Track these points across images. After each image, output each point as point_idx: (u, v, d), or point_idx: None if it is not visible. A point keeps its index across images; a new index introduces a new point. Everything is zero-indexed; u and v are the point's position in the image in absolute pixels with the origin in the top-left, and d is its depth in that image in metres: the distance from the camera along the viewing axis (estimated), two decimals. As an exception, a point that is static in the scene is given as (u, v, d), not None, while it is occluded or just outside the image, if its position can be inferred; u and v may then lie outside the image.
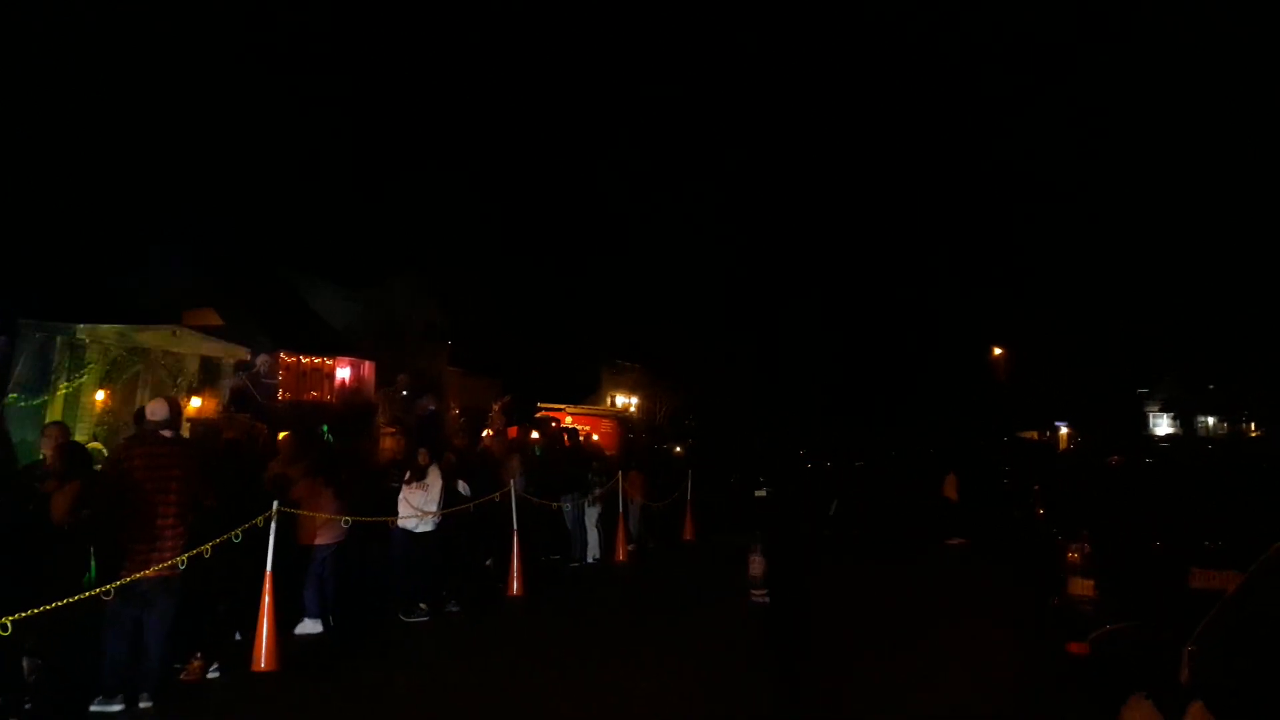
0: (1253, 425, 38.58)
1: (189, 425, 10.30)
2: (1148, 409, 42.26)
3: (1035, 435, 39.77)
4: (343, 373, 19.71)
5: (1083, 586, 7.20)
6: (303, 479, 8.21)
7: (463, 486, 10.01)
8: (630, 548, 14.44)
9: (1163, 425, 41.76)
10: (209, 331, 18.05)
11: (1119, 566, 7.18)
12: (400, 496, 9.39)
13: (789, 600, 5.12)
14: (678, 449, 28.59)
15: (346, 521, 8.44)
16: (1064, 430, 41.97)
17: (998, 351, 42.35)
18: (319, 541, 8.24)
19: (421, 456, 9.51)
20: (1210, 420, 42.14)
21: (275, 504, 7.61)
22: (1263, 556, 3.41)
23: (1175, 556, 7.19)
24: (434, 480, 9.34)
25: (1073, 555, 7.44)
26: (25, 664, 5.83)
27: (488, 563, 11.33)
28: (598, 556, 13.73)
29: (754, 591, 5.13)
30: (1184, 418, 41.97)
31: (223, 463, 7.70)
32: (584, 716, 6.52)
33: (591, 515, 13.89)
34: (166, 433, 6.58)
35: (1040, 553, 8.90)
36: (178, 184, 20.18)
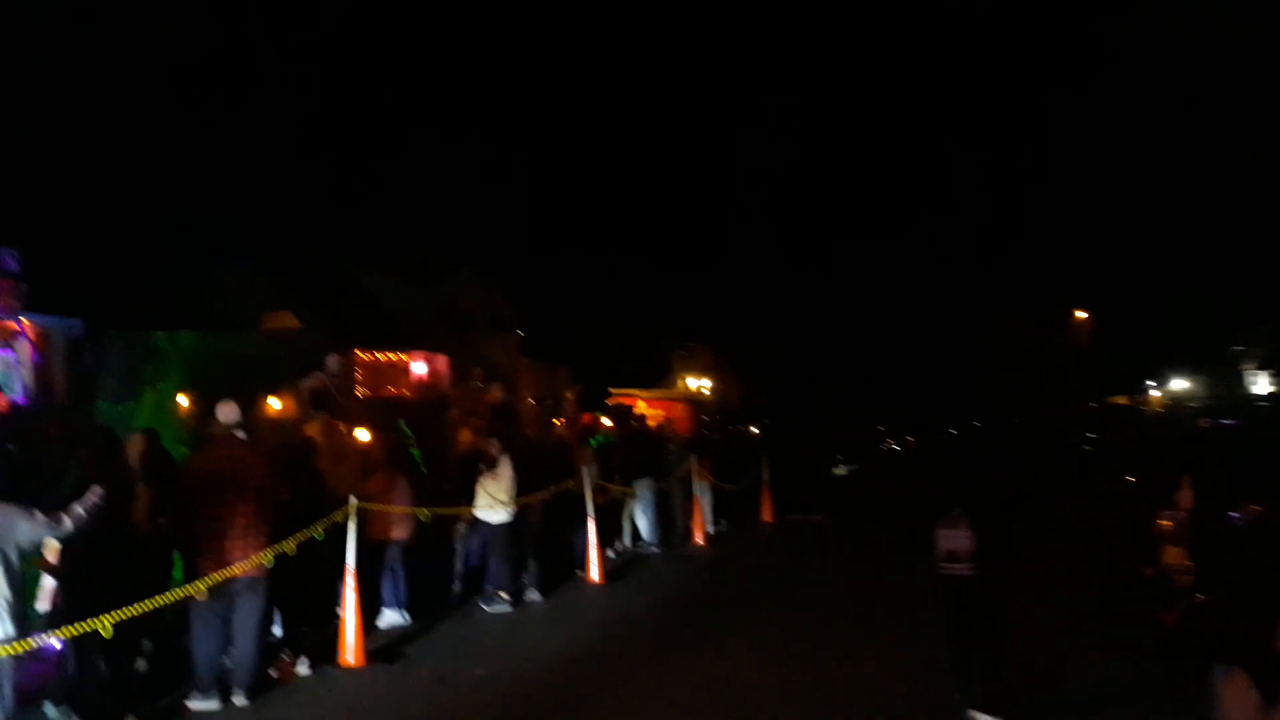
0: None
1: (268, 425, 10.53)
2: (1243, 367, 40.38)
3: (1126, 400, 38.52)
4: (418, 367, 20.02)
5: (1175, 555, 6.91)
6: (380, 473, 8.32)
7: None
8: (709, 530, 14.40)
9: (1261, 383, 39.85)
10: (286, 334, 18.49)
11: (1212, 534, 6.87)
12: (477, 487, 9.48)
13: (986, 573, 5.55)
14: (753, 429, 28.40)
15: (426, 515, 8.55)
16: (1155, 393, 40.55)
17: (1081, 315, 41.05)
18: (394, 536, 8.33)
19: (493, 446, 9.56)
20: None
21: (353, 500, 7.74)
22: None
23: (1268, 522, 6.85)
24: (505, 469, 9.37)
25: (1164, 523, 7.16)
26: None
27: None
28: (679, 540, 13.72)
29: (950, 565, 5.69)
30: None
31: (299, 460, 7.82)
32: (681, 701, 6.50)
33: (671, 498, 13.88)
34: (239, 434, 6.72)
35: (1131, 521, 8.57)
36: (246, 191, 20.73)
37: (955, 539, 5.76)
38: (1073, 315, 41.49)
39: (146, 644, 6.45)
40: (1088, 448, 20.42)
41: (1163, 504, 7.45)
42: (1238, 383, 39.55)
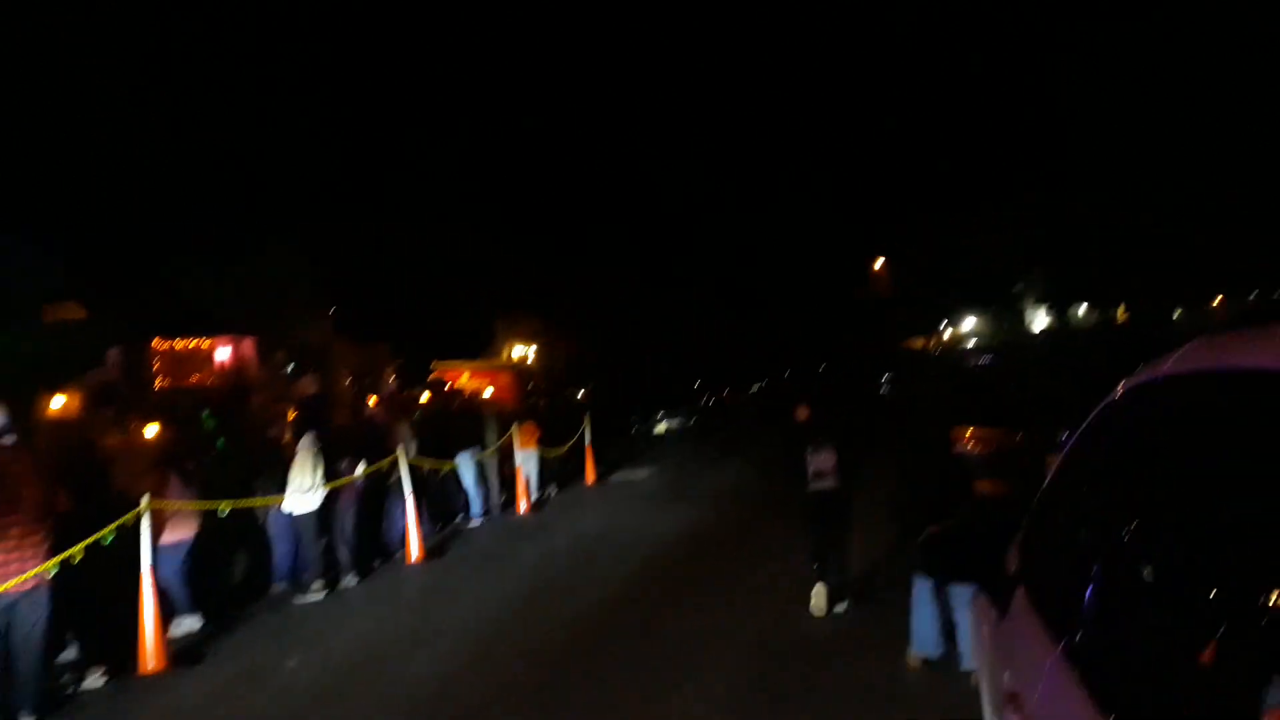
0: (1121, 309, 40.28)
1: (49, 426, 9.86)
2: (1025, 304, 43.70)
3: (921, 342, 41.10)
4: (222, 353, 19.08)
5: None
6: (152, 472, 7.91)
7: (346, 464, 9.82)
8: (533, 498, 14.51)
9: (1040, 318, 43.32)
10: (71, 325, 17.25)
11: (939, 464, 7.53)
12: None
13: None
14: (579, 393, 28.66)
15: (223, 511, 8.26)
16: (947, 334, 43.46)
17: (879, 264, 43.35)
18: (174, 539, 7.93)
19: (287, 434, 9.33)
20: (1083, 308, 43.77)
21: (147, 498, 7.41)
22: (1069, 442, 3.54)
23: (1036, 447, 7.55)
24: (304, 457, 9.14)
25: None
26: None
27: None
28: (496, 511, 13.75)
29: (817, 481, 7.11)
30: (1059, 309, 43.55)
31: (80, 463, 7.40)
32: (497, 675, 6.59)
33: (490, 468, 13.89)
34: (7, 439, 6.29)
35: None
36: (26, 170, 19.04)
37: (822, 461, 7.13)
38: (872, 266, 43.86)
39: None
40: (885, 388, 21.77)
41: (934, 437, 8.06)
42: (1020, 319, 42.84)
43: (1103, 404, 2.60)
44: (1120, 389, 2.48)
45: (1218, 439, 1.75)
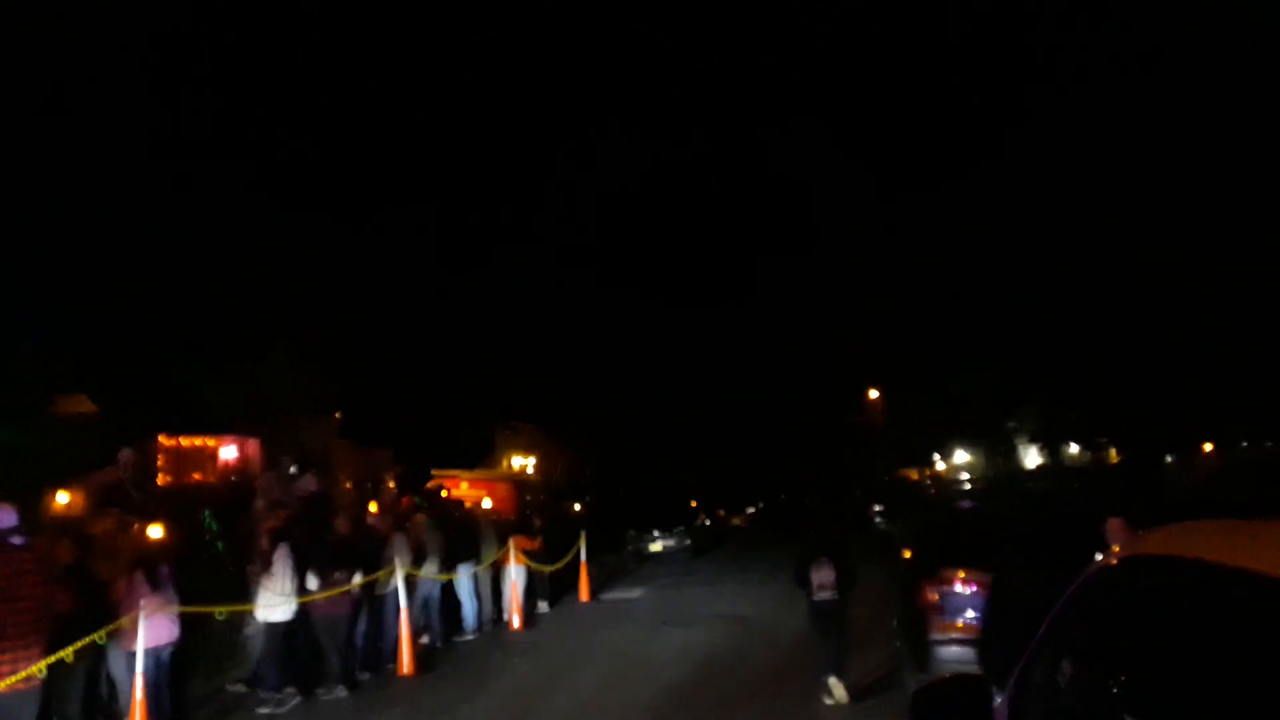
0: (1113, 451, 40.29)
1: (55, 523, 9.92)
2: (1017, 441, 43.86)
3: (915, 473, 41.04)
4: (227, 452, 19.15)
5: (942, 627, 7.47)
6: (123, 577, 7.89)
7: (342, 574, 9.81)
8: (526, 613, 14.38)
9: (1032, 456, 43.41)
10: (81, 419, 17.38)
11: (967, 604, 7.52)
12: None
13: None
14: (576, 506, 28.56)
15: (221, 615, 8.26)
16: (940, 466, 43.49)
17: (874, 394, 43.68)
18: (150, 644, 7.72)
19: (266, 541, 9.38)
20: (1075, 448, 43.79)
21: (143, 601, 7.45)
22: (1071, 586, 3.62)
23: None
24: (280, 566, 9.16)
25: (931, 596, 7.70)
26: None
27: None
28: (489, 625, 13.62)
29: (820, 592, 8.16)
30: (1051, 447, 43.65)
31: (78, 563, 7.45)
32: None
33: (484, 581, 13.82)
34: (16, 539, 6.39)
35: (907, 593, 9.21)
36: (39, 264, 19.49)
37: (824, 575, 8.14)
38: (867, 395, 44.22)
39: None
40: (879, 520, 21.80)
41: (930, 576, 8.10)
42: (1013, 455, 43.03)
43: (1094, 568, 2.73)
44: (1113, 558, 2.61)
45: (1194, 622, 1.90)
